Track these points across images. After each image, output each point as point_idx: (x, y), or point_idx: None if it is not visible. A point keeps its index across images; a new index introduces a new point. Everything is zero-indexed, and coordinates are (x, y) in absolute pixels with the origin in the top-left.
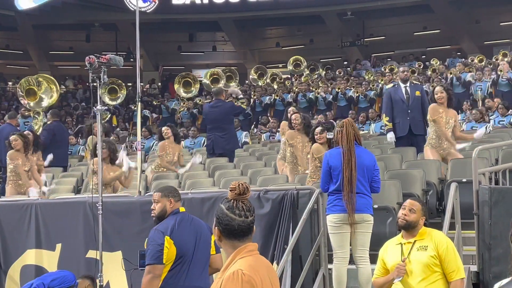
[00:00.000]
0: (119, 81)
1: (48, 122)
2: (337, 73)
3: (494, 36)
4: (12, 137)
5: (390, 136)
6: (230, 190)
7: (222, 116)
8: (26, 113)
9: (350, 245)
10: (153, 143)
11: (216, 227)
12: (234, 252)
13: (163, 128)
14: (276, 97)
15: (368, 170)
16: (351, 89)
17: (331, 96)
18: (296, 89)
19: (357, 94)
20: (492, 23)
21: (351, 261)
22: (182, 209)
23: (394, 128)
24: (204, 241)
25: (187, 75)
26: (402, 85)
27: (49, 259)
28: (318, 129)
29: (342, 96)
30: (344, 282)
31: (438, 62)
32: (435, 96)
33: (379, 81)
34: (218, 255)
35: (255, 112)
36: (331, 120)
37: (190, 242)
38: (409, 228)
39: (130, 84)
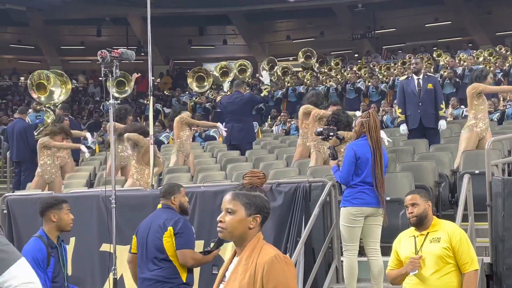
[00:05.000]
0: (127, 74)
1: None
2: (348, 68)
3: (506, 27)
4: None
5: (403, 128)
6: (260, 178)
7: (241, 107)
8: (38, 107)
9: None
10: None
11: (257, 215)
12: (254, 239)
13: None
14: (288, 85)
15: (383, 164)
16: (360, 81)
17: (340, 87)
18: (309, 82)
19: (369, 84)
20: (503, 13)
21: (362, 253)
22: (159, 206)
23: (407, 120)
24: (152, 235)
25: (199, 70)
26: (415, 77)
27: None
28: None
29: (351, 87)
30: (356, 274)
31: (448, 57)
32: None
33: (392, 70)
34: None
35: (267, 107)
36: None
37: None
38: (422, 221)
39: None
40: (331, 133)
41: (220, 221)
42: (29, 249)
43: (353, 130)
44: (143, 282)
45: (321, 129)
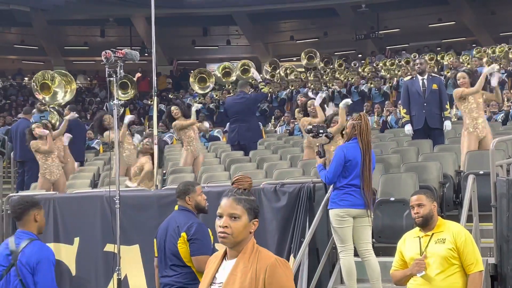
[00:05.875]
0: (130, 76)
1: (65, 117)
2: (352, 69)
3: (510, 27)
4: (34, 125)
5: (408, 129)
6: (249, 183)
7: (246, 108)
8: (42, 108)
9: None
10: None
11: (256, 220)
12: (249, 242)
13: (172, 108)
14: (292, 88)
15: (372, 167)
16: (364, 83)
17: (344, 90)
18: (312, 86)
19: (372, 86)
20: (507, 14)
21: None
22: (175, 207)
23: (411, 120)
24: (168, 241)
25: (203, 71)
26: (419, 78)
27: (67, 253)
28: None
29: (355, 90)
30: (355, 274)
31: (452, 57)
32: (458, 82)
33: (396, 71)
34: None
35: (271, 107)
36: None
37: (158, 240)
38: (428, 221)
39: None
40: (321, 131)
41: (225, 227)
42: (46, 256)
43: (343, 132)
44: (164, 287)
45: (311, 127)
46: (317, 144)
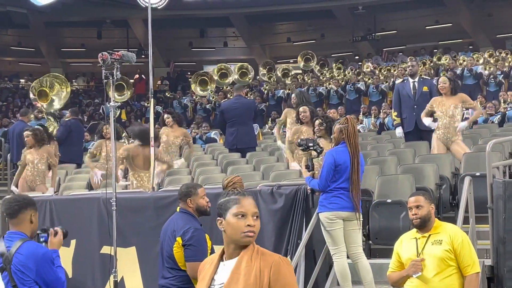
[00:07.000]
0: (126, 78)
1: (67, 119)
2: (348, 69)
3: (507, 29)
4: (25, 134)
5: (399, 131)
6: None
7: (244, 111)
8: (40, 115)
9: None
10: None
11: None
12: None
13: (164, 116)
14: (289, 91)
15: (360, 170)
16: (360, 82)
17: (340, 88)
18: (310, 81)
19: (369, 83)
20: (504, 16)
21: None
22: (177, 208)
23: (402, 123)
24: (166, 243)
25: (204, 74)
26: (410, 80)
27: (63, 255)
28: (318, 121)
29: (351, 88)
30: (349, 275)
31: (448, 58)
32: (438, 86)
33: (393, 71)
34: (187, 264)
35: (268, 106)
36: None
37: (160, 242)
38: (425, 223)
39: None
40: (310, 144)
41: (253, 226)
42: (43, 254)
43: (332, 137)
44: None
45: (299, 140)
46: (307, 158)
